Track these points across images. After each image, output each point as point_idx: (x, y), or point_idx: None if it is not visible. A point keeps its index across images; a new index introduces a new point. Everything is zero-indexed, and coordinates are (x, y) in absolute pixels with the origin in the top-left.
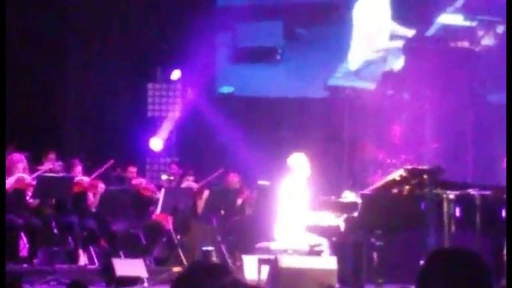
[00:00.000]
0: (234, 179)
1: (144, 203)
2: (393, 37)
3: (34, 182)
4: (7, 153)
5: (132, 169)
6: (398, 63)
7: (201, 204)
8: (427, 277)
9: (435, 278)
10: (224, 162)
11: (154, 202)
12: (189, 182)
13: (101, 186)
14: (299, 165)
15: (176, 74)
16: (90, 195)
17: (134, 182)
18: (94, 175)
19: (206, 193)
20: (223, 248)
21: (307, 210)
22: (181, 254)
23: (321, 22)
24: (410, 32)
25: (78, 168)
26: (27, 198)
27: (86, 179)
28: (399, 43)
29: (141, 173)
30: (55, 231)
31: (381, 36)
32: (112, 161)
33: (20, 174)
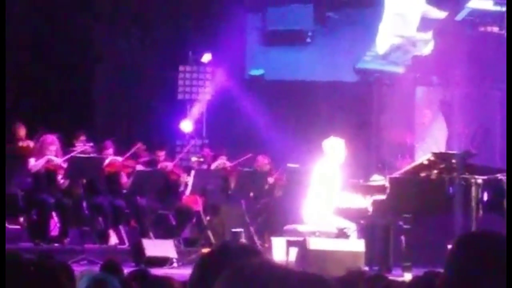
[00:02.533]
0: (264, 161)
1: (171, 186)
2: (425, 20)
3: (64, 165)
4: (39, 135)
5: (160, 153)
6: (427, 48)
7: (232, 185)
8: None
9: (463, 261)
10: (253, 144)
11: (182, 185)
12: (222, 161)
13: (135, 166)
14: (334, 149)
15: (206, 57)
16: (123, 175)
17: (161, 165)
18: (126, 156)
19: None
20: (252, 229)
21: (339, 194)
22: (211, 235)
23: (351, 5)
24: (441, 14)
25: (110, 150)
26: (59, 178)
27: (119, 159)
28: (428, 35)
29: (171, 155)
30: (86, 211)
31: (412, 20)
32: (136, 146)
33: (48, 157)
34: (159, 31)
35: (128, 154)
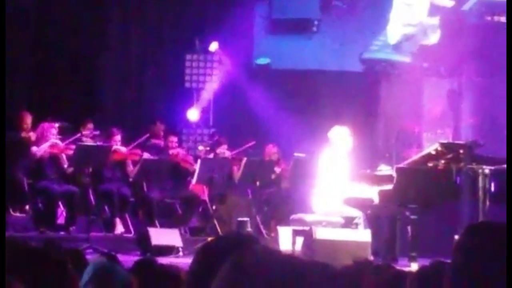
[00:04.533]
0: (272, 150)
1: (182, 174)
2: (432, 8)
3: (69, 147)
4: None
5: (173, 139)
6: (434, 37)
7: (238, 174)
8: (463, 250)
9: (470, 252)
10: (260, 133)
11: (192, 174)
12: (222, 150)
13: (142, 155)
14: (340, 138)
15: (214, 46)
16: (129, 163)
17: (171, 152)
18: (133, 144)
19: (244, 161)
20: (258, 219)
21: (346, 183)
22: (217, 224)
23: None
24: (449, 3)
25: (117, 137)
26: (64, 166)
27: (123, 148)
28: (437, 20)
29: (179, 143)
30: (92, 199)
31: (421, 8)
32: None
33: (53, 140)
34: (167, 19)
35: (135, 143)
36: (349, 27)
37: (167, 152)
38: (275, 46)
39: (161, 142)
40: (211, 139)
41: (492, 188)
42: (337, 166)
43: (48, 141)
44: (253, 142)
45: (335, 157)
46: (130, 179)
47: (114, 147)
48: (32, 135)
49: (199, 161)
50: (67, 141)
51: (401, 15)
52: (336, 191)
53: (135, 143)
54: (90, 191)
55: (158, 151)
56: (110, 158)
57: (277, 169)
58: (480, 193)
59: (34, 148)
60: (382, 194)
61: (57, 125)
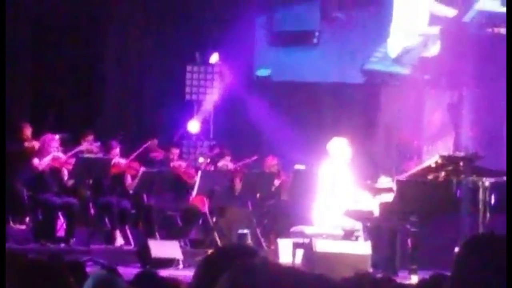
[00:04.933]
0: (272, 162)
1: (182, 186)
2: (433, 18)
3: (70, 160)
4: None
5: (175, 151)
6: (434, 48)
7: (238, 186)
8: (463, 263)
9: (471, 264)
10: (260, 145)
11: (192, 186)
12: (225, 162)
13: (139, 168)
14: (339, 150)
15: (214, 58)
16: (128, 176)
17: (173, 164)
18: (131, 157)
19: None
20: (258, 231)
21: (347, 195)
22: (217, 236)
23: (358, 6)
24: (451, 12)
25: (116, 150)
26: (65, 178)
27: (122, 161)
28: (437, 29)
29: (179, 155)
30: (92, 211)
31: (421, 19)
32: (151, 141)
33: (55, 153)
34: (167, 30)
35: (133, 156)
36: (349, 39)
37: (168, 164)
38: (275, 58)
39: (158, 155)
40: (211, 151)
41: (492, 200)
42: (337, 177)
43: (50, 154)
44: (256, 157)
45: (335, 168)
46: (130, 192)
47: (114, 160)
48: (36, 144)
49: (199, 173)
50: (68, 154)
51: (402, 27)
52: (336, 203)
53: (133, 156)
54: (90, 203)
55: (157, 165)
56: (110, 171)
57: (277, 181)
58: (480, 205)
59: (35, 161)
60: (382, 206)
61: (57, 137)
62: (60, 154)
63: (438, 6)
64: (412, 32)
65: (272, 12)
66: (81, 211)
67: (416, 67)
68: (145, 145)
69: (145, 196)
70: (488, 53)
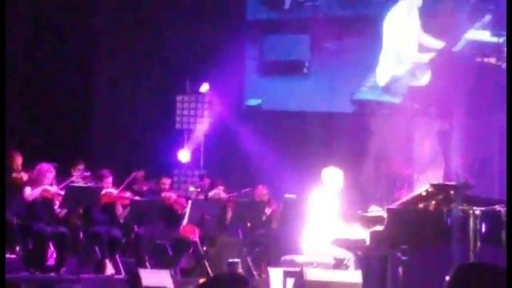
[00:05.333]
0: (263, 192)
1: (172, 215)
2: (422, 49)
3: (60, 192)
4: (35, 165)
5: (166, 181)
6: (425, 78)
7: (229, 215)
8: None
9: None
10: (251, 174)
11: (182, 216)
12: (218, 192)
13: (130, 197)
14: (333, 179)
15: (204, 87)
16: (119, 206)
17: (164, 195)
18: (122, 186)
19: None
20: (249, 260)
21: (336, 224)
22: (207, 265)
23: (348, 36)
24: (439, 44)
25: (109, 179)
26: (55, 207)
27: (114, 191)
28: (427, 57)
29: (170, 185)
30: (83, 240)
31: (410, 49)
32: (137, 173)
33: (45, 186)
34: (157, 60)
35: (123, 185)
36: (339, 69)
37: (159, 194)
38: (266, 87)
39: (142, 187)
40: (201, 180)
41: (483, 229)
42: (328, 206)
43: (44, 184)
44: (248, 189)
45: (326, 197)
46: (121, 221)
47: (105, 190)
48: (24, 176)
49: (189, 202)
50: (59, 186)
51: (391, 56)
52: (326, 231)
53: (123, 185)
54: (81, 232)
55: (148, 194)
56: (100, 200)
57: (268, 210)
58: (471, 234)
59: (27, 190)
60: (373, 235)
61: (53, 167)
62: (51, 188)
63: (426, 38)
64: (402, 60)
65: (262, 41)
66: (72, 240)
67: (406, 96)
68: (131, 176)
69: (135, 225)
70: (478, 83)
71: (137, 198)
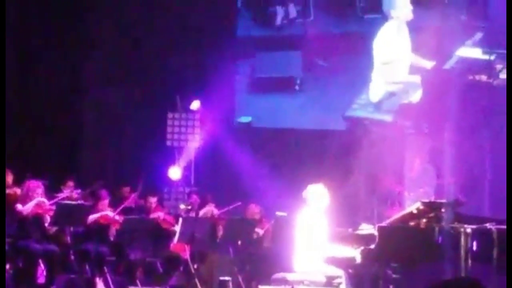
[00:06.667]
0: (254, 210)
1: (162, 233)
2: (413, 69)
3: (53, 207)
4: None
5: (152, 199)
6: (416, 95)
7: (220, 233)
8: None
9: None
10: (242, 192)
11: (172, 233)
12: (210, 208)
13: (121, 219)
14: (316, 197)
15: (195, 104)
16: (113, 228)
17: (152, 215)
18: (119, 209)
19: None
20: (240, 278)
21: (325, 242)
22: (198, 283)
23: (339, 53)
24: (429, 64)
25: (105, 201)
26: (46, 225)
27: (111, 214)
28: (418, 78)
29: (159, 202)
30: (73, 258)
31: (401, 67)
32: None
33: (39, 198)
34: (148, 77)
35: (120, 208)
36: (331, 86)
37: (147, 212)
38: (257, 104)
39: (132, 204)
40: (189, 197)
41: (474, 247)
42: (315, 224)
43: (34, 199)
44: (239, 203)
45: (312, 215)
46: (111, 238)
47: (103, 213)
48: (17, 190)
49: (180, 219)
50: (52, 201)
51: (382, 74)
52: (316, 250)
53: (120, 208)
54: (71, 250)
55: (136, 212)
56: (95, 221)
57: (260, 231)
58: (462, 252)
59: (19, 206)
60: (364, 252)
61: (41, 183)
62: (45, 200)
63: (416, 58)
64: (393, 80)
65: (253, 58)
66: (62, 258)
67: (398, 113)
68: (129, 199)
69: (125, 243)
70: (469, 100)
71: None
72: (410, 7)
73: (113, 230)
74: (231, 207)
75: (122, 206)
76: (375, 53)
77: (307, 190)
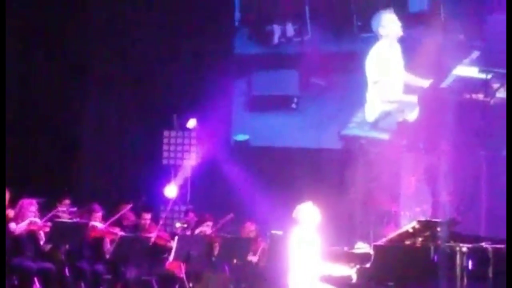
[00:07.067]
0: (250, 228)
1: (158, 251)
2: (408, 88)
3: (47, 224)
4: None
5: (146, 216)
6: (413, 114)
7: (216, 251)
8: None
9: None
10: (238, 210)
11: (168, 250)
12: (205, 228)
13: (118, 233)
14: (306, 215)
15: (192, 123)
16: (107, 241)
17: (147, 234)
18: (109, 221)
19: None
20: None
21: (318, 260)
22: None
23: (336, 72)
24: (425, 83)
25: (98, 214)
26: (41, 243)
27: (100, 225)
28: (414, 98)
29: (156, 220)
30: (68, 276)
31: (395, 86)
32: (128, 206)
33: (32, 218)
34: (145, 95)
35: (112, 220)
36: (328, 105)
37: (142, 229)
38: (254, 123)
39: (131, 221)
40: (185, 215)
41: (470, 266)
42: (308, 243)
43: (27, 219)
44: (231, 215)
45: (305, 234)
46: (107, 256)
47: (92, 223)
48: (10, 212)
49: (176, 238)
50: (45, 218)
51: (376, 93)
52: (311, 268)
53: (112, 220)
54: (66, 268)
55: (131, 229)
56: (87, 236)
57: (254, 258)
58: (458, 271)
59: (12, 226)
60: (360, 271)
61: (35, 201)
62: (37, 220)
63: (412, 78)
64: (388, 99)
65: (250, 76)
66: (57, 276)
67: (394, 132)
68: (121, 211)
69: (121, 261)
70: (466, 118)
71: (124, 234)
72: (398, 23)
73: (107, 244)
74: (224, 220)
75: (114, 218)
76: (367, 72)
77: (297, 210)
